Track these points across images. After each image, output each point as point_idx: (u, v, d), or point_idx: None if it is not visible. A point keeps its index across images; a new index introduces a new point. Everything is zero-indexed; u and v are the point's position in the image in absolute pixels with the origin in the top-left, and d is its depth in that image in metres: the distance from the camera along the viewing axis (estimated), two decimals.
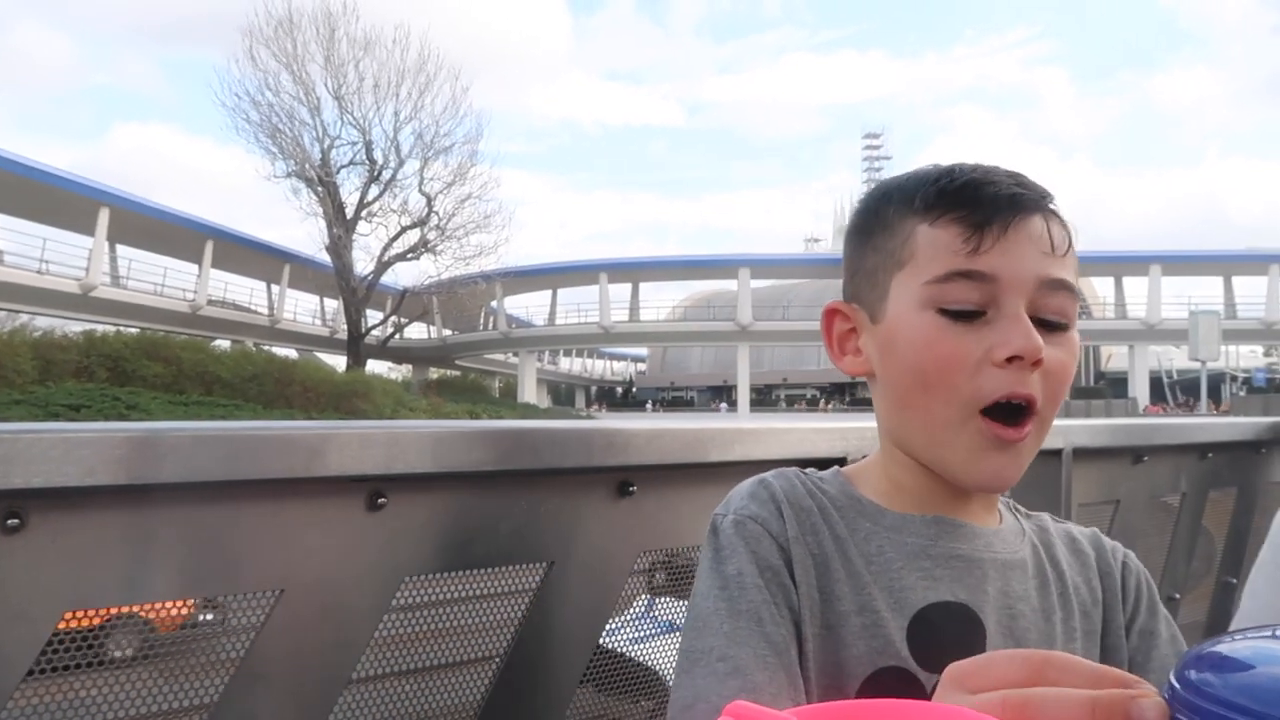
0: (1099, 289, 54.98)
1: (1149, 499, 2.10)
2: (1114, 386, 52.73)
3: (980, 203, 0.77)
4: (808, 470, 0.87)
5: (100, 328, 24.73)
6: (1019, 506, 0.91)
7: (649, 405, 58.79)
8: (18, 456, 0.76)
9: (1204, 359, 21.76)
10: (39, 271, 31.48)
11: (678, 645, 0.77)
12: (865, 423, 1.49)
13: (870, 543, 0.80)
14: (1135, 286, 45.65)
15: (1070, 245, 0.80)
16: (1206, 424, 2.29)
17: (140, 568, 0.86)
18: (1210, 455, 2.19)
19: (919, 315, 0.77)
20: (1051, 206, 0.79)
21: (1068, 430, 1.76)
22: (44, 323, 27.02)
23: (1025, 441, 0.77)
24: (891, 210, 0.82)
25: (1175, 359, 48.92)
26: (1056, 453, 1.72)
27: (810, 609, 0.76)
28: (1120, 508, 1.97)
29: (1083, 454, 1.77)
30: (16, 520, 0.77)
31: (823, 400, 54.38)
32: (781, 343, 52.47)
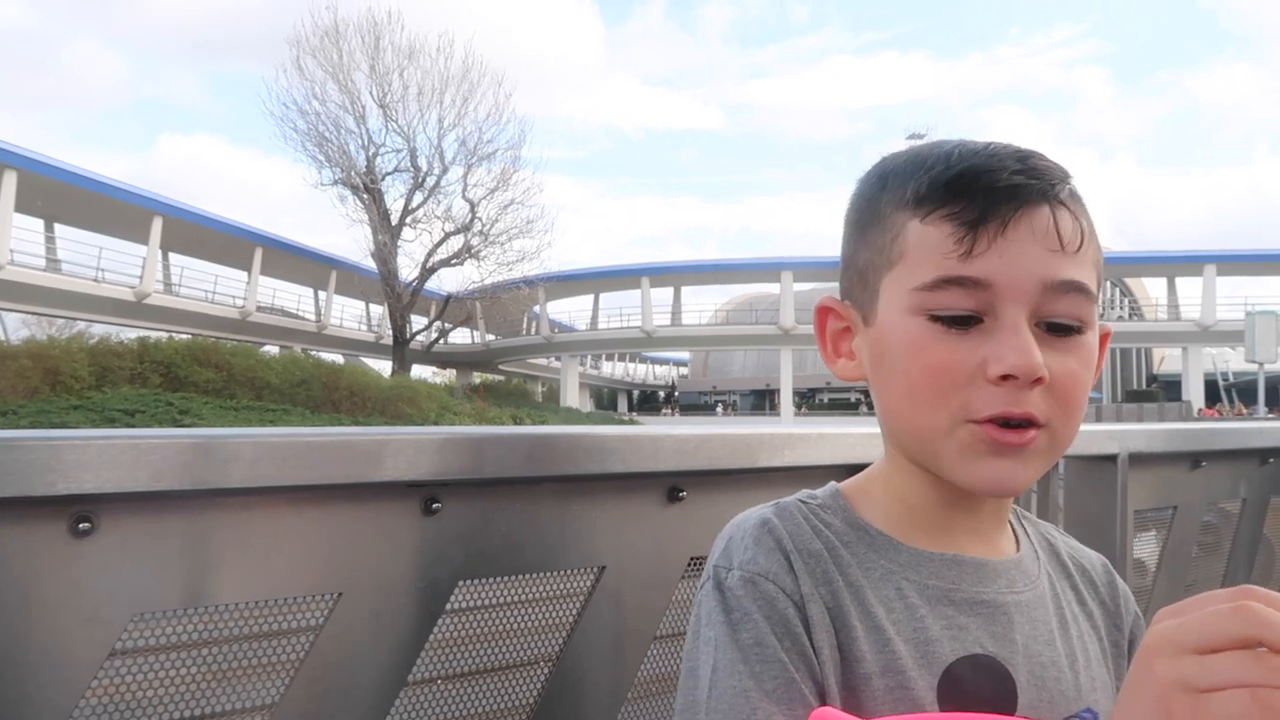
0: (1151, 290, 53.89)
1: (1207, 505, 2.06)
2: (1167, 389, 51.63)
3: (974, 196, 0.68)
4: (805, 496, 0.78)
5: (154, 334, 25.31)
6: (1023, 514, 0.84)
7: (719, 409, 58.31)
8: (89, 462, 0.79)
9: (1262, 360, 21.21)
10: (95, 280, 32.29)
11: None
12: None
13: (887, 585, 0.72)
14: (1189, 287, 44.69)
15: (1085, 237, 0.70)
16: (1267, 428, 2.23)
17: (205, 571, 0.88)
18: (1271, 460, 2.14)
19: (907, 321, 0.70)
20: (1063, 195, 0.70)
21: (1123, 435, 1.73)
22: (100, 329, 27.74)
23: (1031, 446, 0.69)
24: (884, 200, 0.73)
25: (1231, 361, 47.78)
26: (1112, 458, 1.69)
27: (833, 675, 0.68)
28: (1177, 514, 1.93)
29: (1139, 459, 1.74)
30: (88, 524, 0.80)
31: None
32: None
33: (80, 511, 0.80)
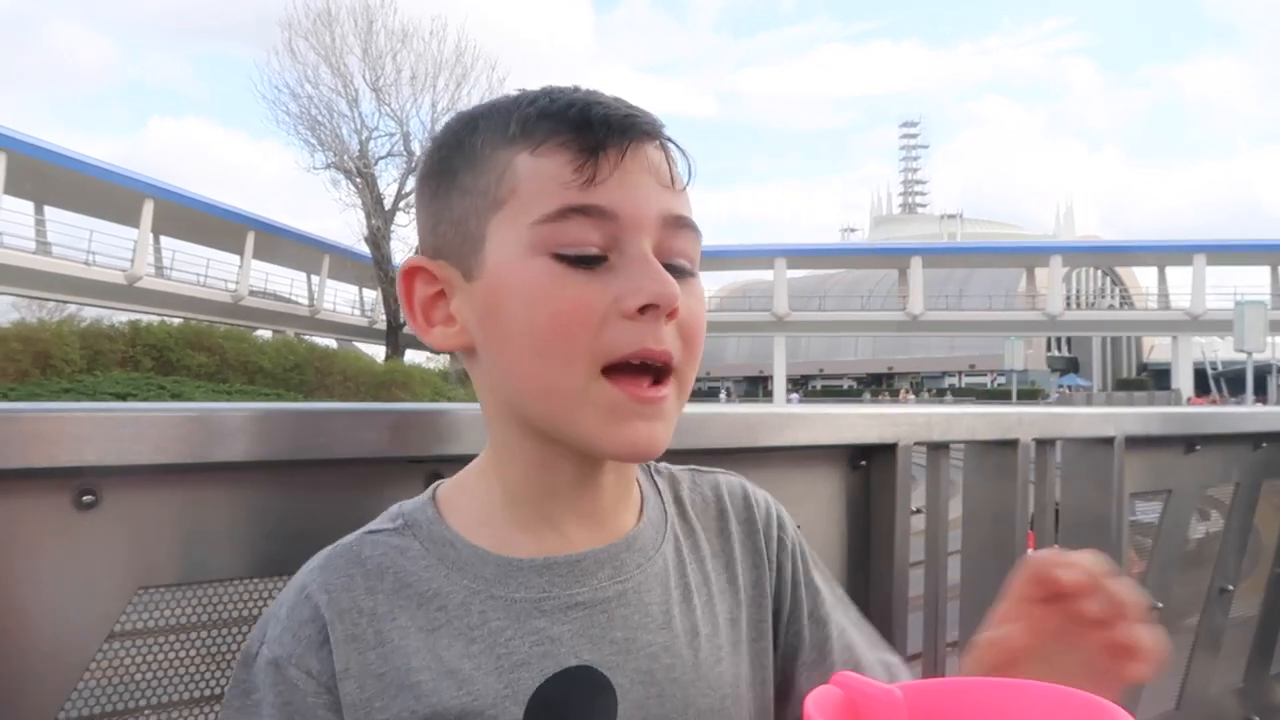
0: (1141, 279, 54.05)
1: (1201, 489, 2.07)
2: (1156, 378, 51.90)
3: (591, 125, 0.64)
4: (385, 521, 0.72)
5: (145, 318, 25.19)
6: (659, 468, 0.80)
7: (723, 395, 58.24)
8: (91, 435, 0.78)
9: (1250, 350, 21.31)
10: (86, 263, 32.12)
11: None
12: (921, 408, 1.49)
13: (470, 611, 0.66)
14: (1178, 277, 44.84)
15: (688, 179, 0.69)
16: (1261, 413, 2.25)
17: (209, 545, 0.87)
18: (1264, 445, 2.15)
19: (528, 263, 0.64)
20: (667, 134, 0.69)
21: (1120, 418, 1.74)
22: (91, 313, 27.61)
23: (668, 403, 0.66)
24: (480, 141, 0.67)
25: (1220, 350, 48.00)
26: (1109, 440, 1.69)
27: None
28: (1172, 497, 1.94)
29: (1135, 442, 1.74)
30: (91, 497, 0.79)
31: (906, 390, 53.02)
32: (818, 333, 52.26)
33: (84, 484, 0.79)
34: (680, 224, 0.67)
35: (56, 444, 0.76)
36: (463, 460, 0.98)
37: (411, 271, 0.71)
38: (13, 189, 28.93)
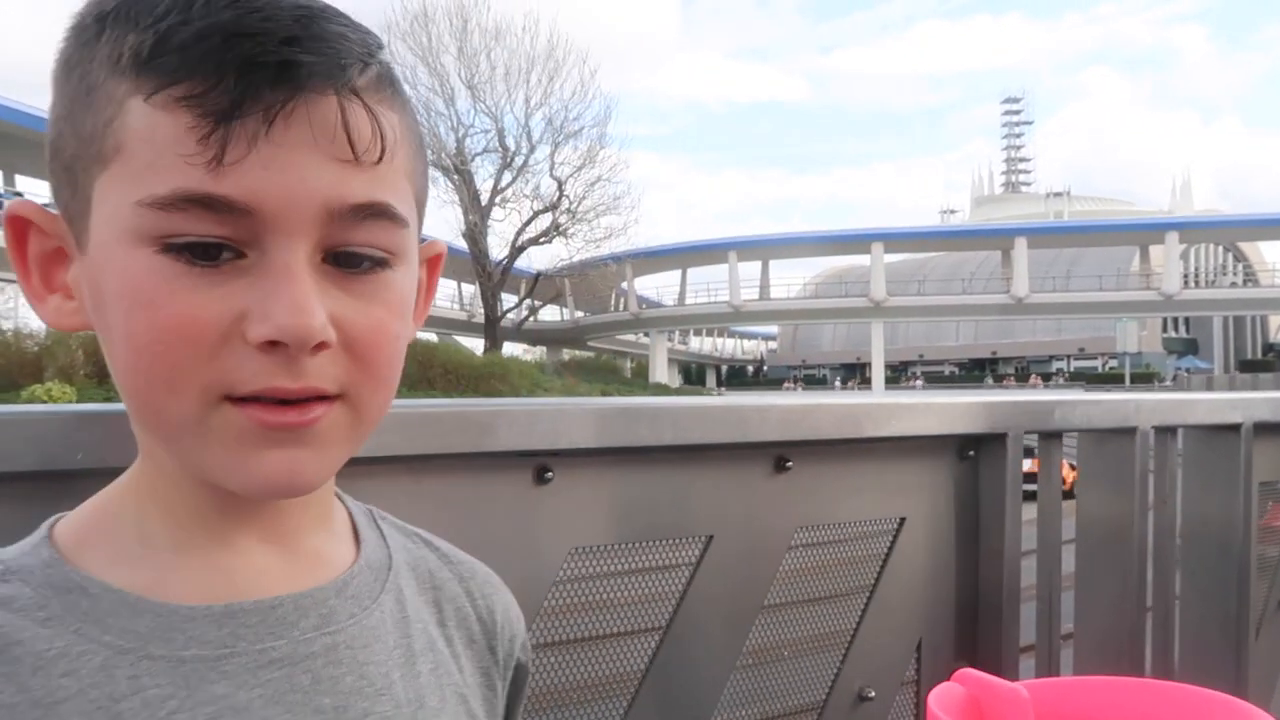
0: (1267, 254, 51.10)
1: None
2: None
3: (225, 72, 0.45)
4: None
5: None
6: (382, 515, 0.65)
7: (837, 383, 57.52)
8: (550, 424, 0.96)
9: None
10: None
11: None
12: (1035, 395, 1.45)
13: (114, 679, 0.48)
14: None
15: (390, 142, 0.50)
16: None
17: (621, 515, 1.06)
18: None
19: (129, 255, 0.47)
20: (361, 80, 0.49)
21: (1248, 403, 1.65)
22: None
23: (323, 424, 0.50)
24: (99, 56, 0.48)
25: None
26: (1235, 427, 1.62)
27: None
28: None
29: (1265, 429, 1.66)
30: (550, 474, 0.98)
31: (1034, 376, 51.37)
32: (917, 318, 51.13)
33: (543, 463, 0.97)
34: (364, 214, 0.49)
35: (525, 431, 0.94)
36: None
37: (19, 221, 0.53)
38: None
